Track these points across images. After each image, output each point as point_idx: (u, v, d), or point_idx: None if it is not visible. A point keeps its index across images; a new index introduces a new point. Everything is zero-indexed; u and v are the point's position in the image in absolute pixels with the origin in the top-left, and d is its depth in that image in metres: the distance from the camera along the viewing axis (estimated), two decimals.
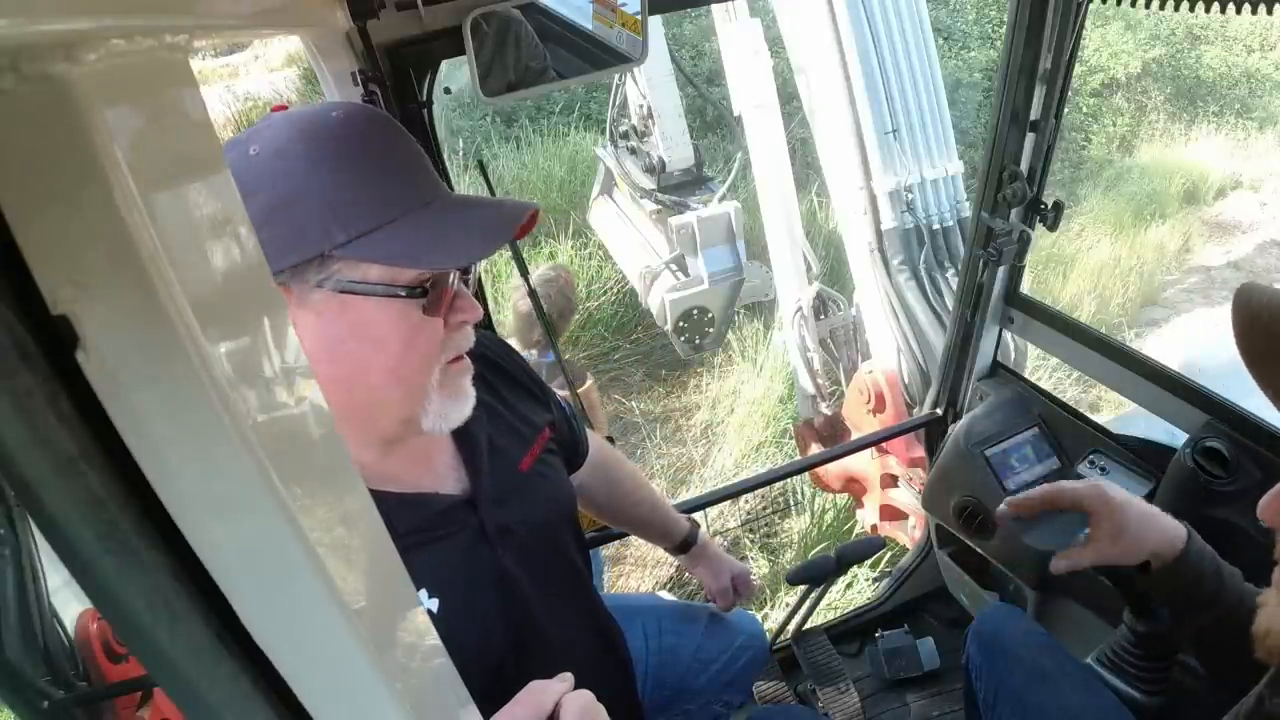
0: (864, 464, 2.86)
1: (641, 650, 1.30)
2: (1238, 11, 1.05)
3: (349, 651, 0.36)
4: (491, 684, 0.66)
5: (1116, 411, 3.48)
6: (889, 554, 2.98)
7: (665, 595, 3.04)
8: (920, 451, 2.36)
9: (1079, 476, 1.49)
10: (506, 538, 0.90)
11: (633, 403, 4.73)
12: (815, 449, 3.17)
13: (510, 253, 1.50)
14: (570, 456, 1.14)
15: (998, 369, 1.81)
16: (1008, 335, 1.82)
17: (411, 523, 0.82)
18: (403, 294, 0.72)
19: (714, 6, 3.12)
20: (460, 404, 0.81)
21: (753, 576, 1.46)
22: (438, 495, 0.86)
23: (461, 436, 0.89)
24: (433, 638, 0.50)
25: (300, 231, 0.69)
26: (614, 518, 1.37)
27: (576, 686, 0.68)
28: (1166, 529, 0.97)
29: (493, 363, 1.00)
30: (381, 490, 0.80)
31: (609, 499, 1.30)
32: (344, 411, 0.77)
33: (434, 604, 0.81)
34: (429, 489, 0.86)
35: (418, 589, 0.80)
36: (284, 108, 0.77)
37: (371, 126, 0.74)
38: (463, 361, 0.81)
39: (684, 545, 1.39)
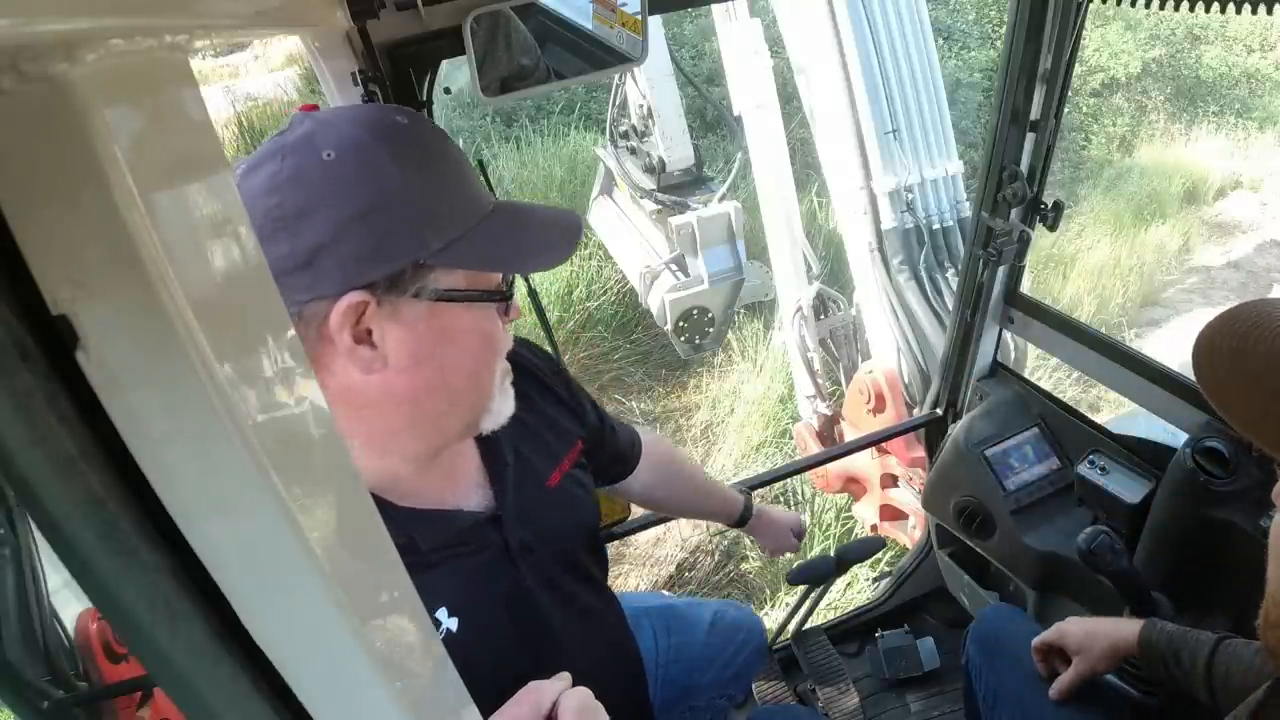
0: (864, 464, 2.86)
1: (651, 651, 1.30)
2: (1238, 11, 1.05)
3: (349, 651, 0.36)
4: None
5: (1116, 411, 3.48)
6: (889, 554, 2.98)
7: (665, 595, 3.04)
8: (920, 451, 2.36)
9: (1079, 476, 1.49)
10: (529, 555, 0.88)
11: (633, 403, 4.73)
12: (815, 449, 3.16)
13: None
14: (610, 465, 1.13)
15: (998, 369, 1.81)
16: (1008, 335, 1.82)
17: (435, 539, 0.80)
18: (496, 299, 0.74)
19: (714, 6, 3.12)
20: (509, 400, 0.82)
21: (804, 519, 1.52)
22: (461, 511, 0.84)
23: (487, 448, 0.88)
24: (432, 637, 0.50)
25: (390, 239, 0.66)
26: (678, 509, 1.42)
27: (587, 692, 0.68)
28: (1121, 624, 1.16)
29: (527, 370, 0.96)
30: (405, 506, 0.79)
31: (671, 494, 1.32)
32: (414, 420, 0.76)
33: (453, 623, 0.79)
34: (451, 505, 0.84)
35: (437, 607, 0.79)
36: (314, 107, 0.75)
37: (434, 133, 0.74)
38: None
39: (742, 518, 1.43)
